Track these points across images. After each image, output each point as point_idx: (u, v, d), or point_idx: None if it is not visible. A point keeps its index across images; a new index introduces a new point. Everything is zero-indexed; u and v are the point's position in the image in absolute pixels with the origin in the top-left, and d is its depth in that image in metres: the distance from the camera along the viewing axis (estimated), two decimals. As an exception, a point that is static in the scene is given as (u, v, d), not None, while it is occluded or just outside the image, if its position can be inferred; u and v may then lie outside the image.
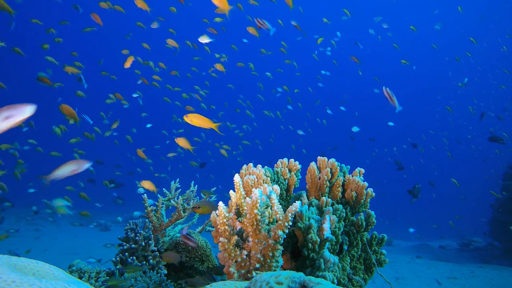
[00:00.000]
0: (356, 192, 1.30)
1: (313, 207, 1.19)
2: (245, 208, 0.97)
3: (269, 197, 0.98)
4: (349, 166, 1.40)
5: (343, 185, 1.34)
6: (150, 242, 1.53)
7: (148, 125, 6.26)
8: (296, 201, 0.94)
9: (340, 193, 1.33)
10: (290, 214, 0.91)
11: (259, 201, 0.91)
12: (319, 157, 1.40)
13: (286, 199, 1.38)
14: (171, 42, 4.26)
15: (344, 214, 1.23)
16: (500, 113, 8.31)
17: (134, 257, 1.46)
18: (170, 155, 4.60)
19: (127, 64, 3.61)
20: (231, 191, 1.00)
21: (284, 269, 1.06)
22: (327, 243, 1.03)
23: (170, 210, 1.82)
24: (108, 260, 1.52)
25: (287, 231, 0.92)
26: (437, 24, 11.11)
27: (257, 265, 0.93)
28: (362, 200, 1.30)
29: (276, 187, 1.07)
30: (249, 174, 1.27)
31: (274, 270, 0.93)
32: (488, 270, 5.03)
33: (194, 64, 7.76)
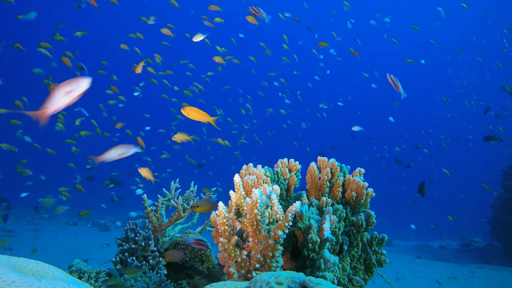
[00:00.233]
0: (356, 192, 1.30)
1: (313, 207, 1.19)
2: (245, 208, 0.97)
3: (269, 197, 0.98)
4: (349, 166, 1.40)
5: (343, 185, 1.34)
6: (150, 242, 1.53)
7: (147, 128, 6.25)
8: (296, 201, 0.94)
9: (340, 193, 1.32)
10: (290, 214, 0.91)
11: (259, 201, 0.91)
12: (319, 157, 1.40)
13: (286, 199, 1.38)
14: (166, 32, 4.22)
15: (344, 214, 1.23)
16: (500, 112, 8.30)
17: (134, 257, 1.46)
18: (164, 156, 4.58)
19: (138, 70, 3.57)
20: (231, 191, 1.00)
21: (284, 269, 1.06)
22: (327, 243, 1.03)
23: (170, 210, 1.81)
24: (108, 260, 1.52)
25: (287, 231, 0.92)
26: (437, 22, 11.11)
27: (257, 265, 0.93)
28: (362, 200, 1.30)
29: (276, 187, 1.07)
30: (249, 174, 1.26)
31: (274, 270, 0.93)
32: (488, 270, 5.02)
33: (193, 61, 7.75)
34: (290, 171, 1.39)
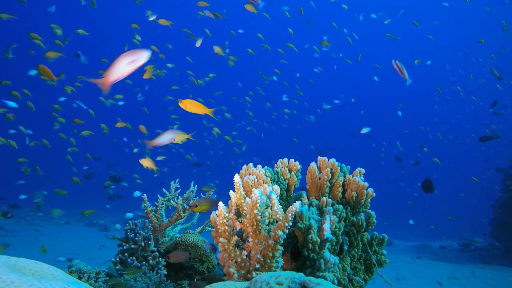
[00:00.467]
0: (356, 192, 1.30)
1: (313, 207, 1.19)
2: (245, 208, 0.97)
3: (269, 197, 0.98)
4: (349, 166, 1.40)
5: (343, 185, 1.34)
6: (149, 242, 1.53)
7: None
8: (296, 201, 0.94)
9: (340, 193, 1.32)
10: (290, 215, 0.91)
11: (259, 201, 0.91)
12: (319, 157, 1.39)
13: (286, 199, 1.38)
14: (163, 22, 4.19)
15: (345, 214, 1.23)
16: (499, 111, 8.29)
17: (134, 258, 1.45)
18: (160, 158, 4.55)
19: (147, 75, 3.55)
20: (231, 191, 1.00)
21: (284, 270, 1.06)
22: (327, 243, 1.03)
23: (169, 210, 1.81)
24: (107, 260, 1.52)
25: (287, 231, 0.92)
26: (434, 21, 11.09)
27: (257, 266, 0.93)
28: (363, 200, 1.30)
29: (276, 187, 1.07)
30: (249, 174, 1.26)
31: (274, 271, 0.93)
32: (488, 271, 5.02)
33: (193, 58, 7.75)
34: (290, 171, 1.39)
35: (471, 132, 16.70)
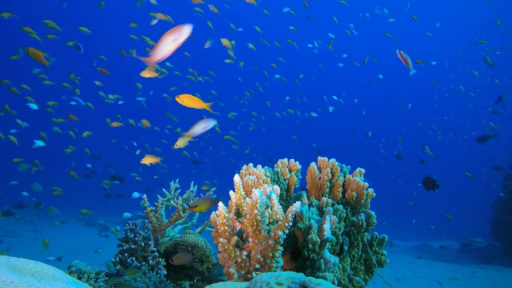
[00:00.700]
0: (356, 193, 1.30)
1: (313, 207, 1.19)
2: (245, 208, 0.96)
3: (269, 197, 0.98)
4: (349, 166, 1.39)
5: (343, 185, 1.34)
6: (149, 242, 1.52)
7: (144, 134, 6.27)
8: (296, 202, 0.94)
9: (340, 193, 1.32)
10: (290, 215, 0.91)
11: (259, 201, 0.91)
12: (319, 157, 1.39)
13: (286, 200, 1.37)
14: (160, 16, 4.18)
15: (345, 215, 1.23)
16: (498, 110, 8.28)
17: (134, 258, 1.45)
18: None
19: (148, 74, 3.53)
20: (231, 191, 0.99)
21: (284, 270, 1.06)
22: (328, 243, 1.03)
23: (169, 210, 1.81)
24: (107, 260, 1.51)
25: (287, 231, 0.91)
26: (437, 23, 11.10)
27: (257, 266, 0.93)
28: (363, 201, 1.29)
29: (276, 187, 1.07)
30: (249, 174, 1.26)
31: (274, 271, 0.92)
32: (489, 271, 5.02)
33: (192, 56, 7.74)
34: (290, 171, 1.39)
35: (472, 130, 16.68)
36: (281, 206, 0.95)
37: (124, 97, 5.96)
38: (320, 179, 1.33)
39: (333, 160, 1.36)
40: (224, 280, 0.94)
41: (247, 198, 0.96)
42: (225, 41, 4.15)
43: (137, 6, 5.30)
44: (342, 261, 1.24)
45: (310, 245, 1.01)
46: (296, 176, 1.38)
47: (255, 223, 0.92)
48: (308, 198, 1.35)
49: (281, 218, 0.92)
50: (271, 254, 0.92)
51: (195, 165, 6.70)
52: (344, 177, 1.35)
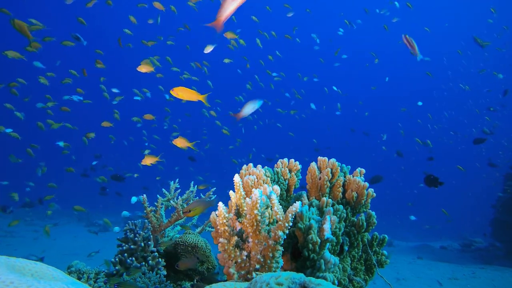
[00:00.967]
0: (356, 193, 1.29)
1: (313, 207, 1.19)
2: (245, 208, 0.96)
3: (269, 197, 0.97)
4: (349, 166, 1.39)
5: (343, 186, 1.34)
6: (149, 242, 1.52)
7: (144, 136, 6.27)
8: (297, 202, 0.94)
9: (340, 193, 1.32)
10: (290, 215, 0.91)
11: (259, 201, 0.91)
12: (319, 157, 1.39)
13: (286, 200, 1.37)
14: (157, 5, 4.16)
15: (345, 215, 1.22)
16: (500, 110, 8.26)
17: (134, 258, 1.45)
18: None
19: (146, 69, 3.52)
20: (230, 192, 0.99)
21: (284, 270, 1.06)
22: (328, 243, 1.03)
23: (169, 210, 1.81)
24: (107, 260, 1.51)
25: (287, 231, 0.91)
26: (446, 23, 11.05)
27: (257, 266, 0.92)
28: (363, 201, 1.29)
29: (276, 187, 1.07)
30: (249, 174, 1.26)
31: (274, 271, 0.92)
32: (489, 271, 5.02)
33: (193, 56, 7.75)
34: (290, 171, 1.38)
35: (471, 128, 16.65)
36: (281, 206, 0.95)
37: (125, 97, 5.97)
38: (320, 179, 1.33)
39: (333, 160, 1.36)
40: (224, 280, 0.94)
41: (247, 198, 0.96)
42: (229, 34, 4.12)
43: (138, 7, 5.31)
44: (342, 261, 1.24)
45: (310, 245, 1.01)
46: (296, 176, 1.38)
47: (255, 223, 0.92)
48: (308, 198, 1.35)
49: (281, 218, 0.92)
50: (271, 254, 0.91)
51: (192, 161, 6.69)
52: (344, 177, 1.35)
